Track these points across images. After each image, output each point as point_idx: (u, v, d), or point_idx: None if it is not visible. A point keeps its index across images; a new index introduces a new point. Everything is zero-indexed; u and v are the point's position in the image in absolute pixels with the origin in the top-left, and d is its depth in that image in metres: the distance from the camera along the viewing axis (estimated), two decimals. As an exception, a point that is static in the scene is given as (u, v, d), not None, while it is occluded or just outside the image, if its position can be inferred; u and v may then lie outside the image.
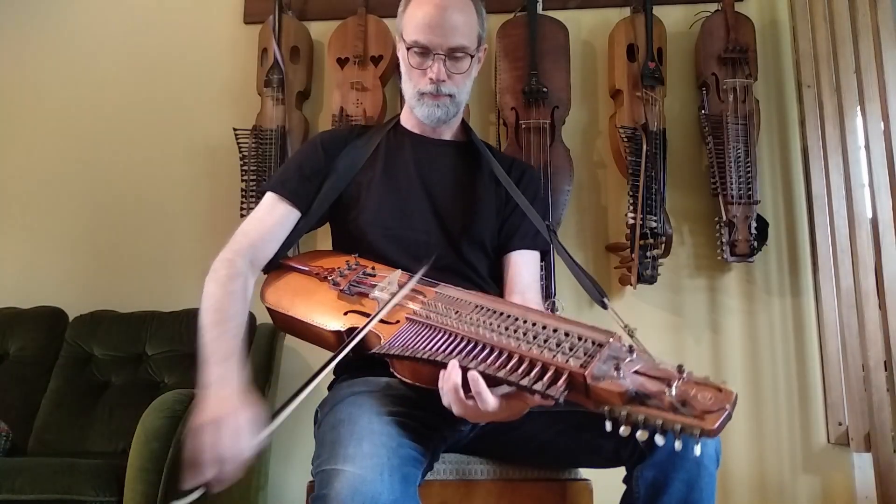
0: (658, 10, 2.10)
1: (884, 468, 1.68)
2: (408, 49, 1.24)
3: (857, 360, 1.81)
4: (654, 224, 1.92)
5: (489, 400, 0.81)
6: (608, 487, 1.10)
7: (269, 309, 1.17)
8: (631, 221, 1.93)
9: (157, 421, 1.41)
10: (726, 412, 0.66)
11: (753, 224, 1.94)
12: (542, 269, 1.68)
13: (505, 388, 0.82)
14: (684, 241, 2.10)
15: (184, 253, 2.24)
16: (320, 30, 2.30)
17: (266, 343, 1.97)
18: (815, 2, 2.02)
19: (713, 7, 2.12)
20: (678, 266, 2.09)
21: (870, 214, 1.77)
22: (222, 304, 1.09)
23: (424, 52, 1.23)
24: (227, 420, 0.89)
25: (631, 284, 1.93)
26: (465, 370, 0.82)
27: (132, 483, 1.38)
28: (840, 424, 1.93)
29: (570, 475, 1.15)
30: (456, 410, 0.85)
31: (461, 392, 0.83)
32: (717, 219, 1.98)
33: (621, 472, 1.03)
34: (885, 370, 1.69)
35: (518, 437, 1.12)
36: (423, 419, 1.00)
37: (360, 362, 1.02)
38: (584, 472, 1.17)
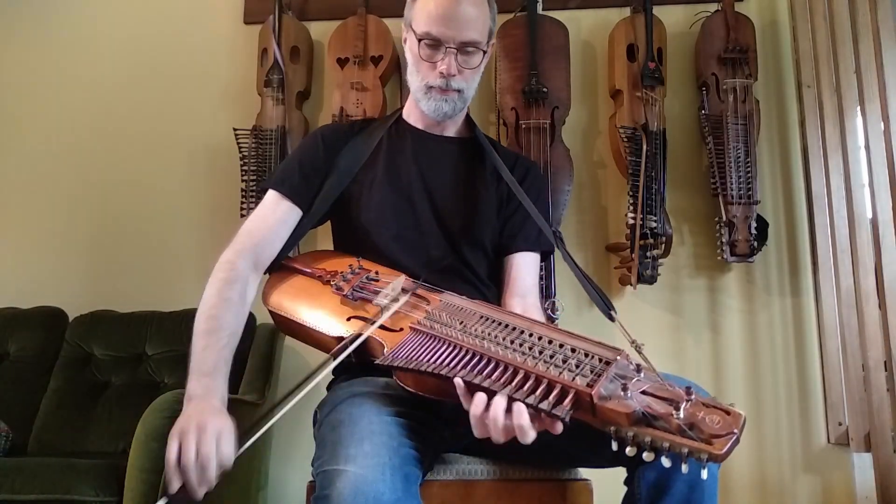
0: (658, 10, 2.10)
1: (884, 468, 1.68)
2: (418, 40, 1.21)
3: (857, 360, 1.81)
4: (654, 224, 1.92)
5: (530, 433, 0.78)
6: (608, 487, 1.10)
7: (271, 311, 1.16)
8: (631, 221, 1.93)
9: (157, 421, 1.41)
10: (734, 437, 0.65)
11: (753, 224, 1.94)
12: (542, 269, 1.68)
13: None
14: (684, 241, 2.10)
15: (184, 253, 2.24)
16: (320, 30, 2.30)
17: (266, 343, 1.97)
18: (815, 2, 2.02)
19: (713, 7, 2.12)
20: (678, 266, 2.09)
21: (870, 214, 1.76)
22: (216, 311, 1.07)
23: (436, 44, 1.19)
24: (209, 427, 0.89)
25: (631, 284, 1.93)
26: (511, 401, 0.79)
27: (132, 483, 1.38)
28: (840, 424, 1.93)
29: (570, 475, 1.15)
30: (493, 435, 0.83)
31: (501, 420, 0.80)
32: (717, 219, 1.97)
33: (622, 472, 1.02)
34: (885, 370, 1.69)
35: (518, 437, 1.12)
36: (423, 419, 1.00)
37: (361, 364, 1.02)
38: (584, 472, 1.16)
